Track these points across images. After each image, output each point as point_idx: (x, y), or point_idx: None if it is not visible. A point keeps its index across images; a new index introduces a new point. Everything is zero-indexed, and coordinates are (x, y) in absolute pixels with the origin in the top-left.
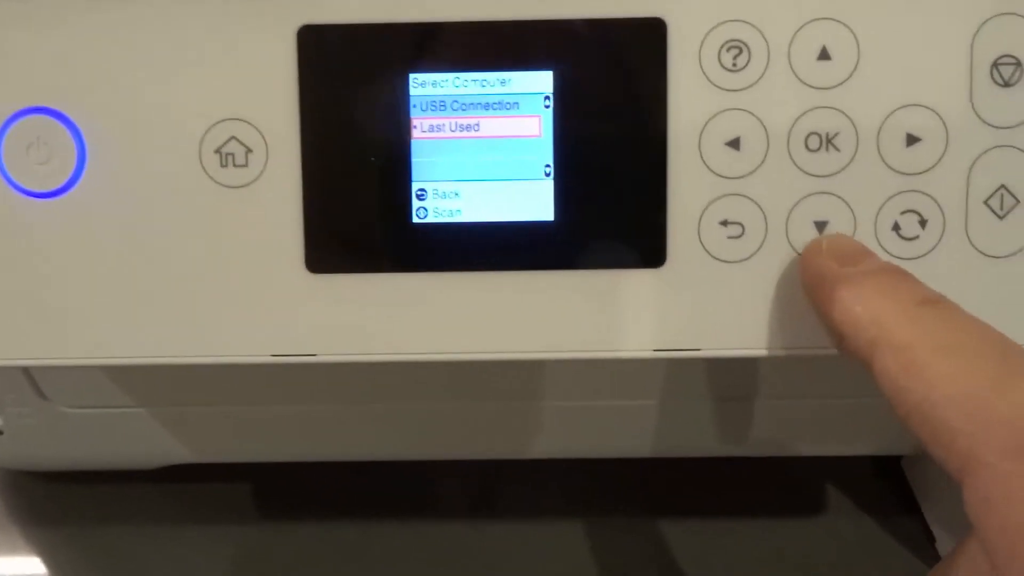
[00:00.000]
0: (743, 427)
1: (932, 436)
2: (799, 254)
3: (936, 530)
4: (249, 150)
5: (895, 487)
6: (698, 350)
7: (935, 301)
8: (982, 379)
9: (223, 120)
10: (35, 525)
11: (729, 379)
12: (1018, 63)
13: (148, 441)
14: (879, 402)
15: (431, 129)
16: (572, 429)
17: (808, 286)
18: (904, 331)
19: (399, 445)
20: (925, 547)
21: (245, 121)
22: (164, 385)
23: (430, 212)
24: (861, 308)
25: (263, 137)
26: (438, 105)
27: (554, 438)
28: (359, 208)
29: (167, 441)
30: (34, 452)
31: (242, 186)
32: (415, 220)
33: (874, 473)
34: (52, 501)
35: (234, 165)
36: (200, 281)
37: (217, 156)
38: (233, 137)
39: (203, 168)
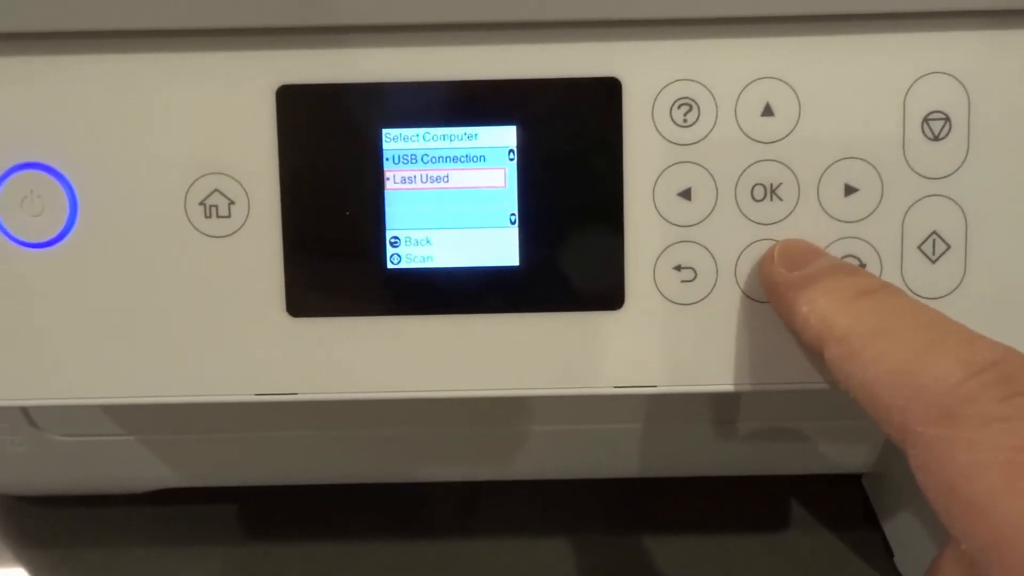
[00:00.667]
0: (708, 448)
1: (874, 413)
2: (748, 296)
3: (895, 545)
4: (232, 202)
5: (856, 504)
6: (655, 387)
7: (872, 291)
8: (907, 355)
9: (207, 174)
10: (27, 548)
11: (694, 403)
12: (947, 119)
13: (136, 466)
14: (839, 424)
15: (403, 181)
16: (545, 451)
17: (766, 294)
18: (842, 323)
19: (380, 468)
20: (885, 561)
21: (228, 175)
22: (152, 414)
23: (403, 258)
24: (808, 309)
25: (245, 190)
26: (410, 158)
27: (531, 460)
28: (336, 255)
29: (155, 466)
30: (26, 478)
31: (225, 236)
32: (389, 266)
33: (835, 490)
34: (43, 524)
35: (217, 216)
36: (186, 325)
37: (201, 208)
38: (216, 190)
39: (188, 219)
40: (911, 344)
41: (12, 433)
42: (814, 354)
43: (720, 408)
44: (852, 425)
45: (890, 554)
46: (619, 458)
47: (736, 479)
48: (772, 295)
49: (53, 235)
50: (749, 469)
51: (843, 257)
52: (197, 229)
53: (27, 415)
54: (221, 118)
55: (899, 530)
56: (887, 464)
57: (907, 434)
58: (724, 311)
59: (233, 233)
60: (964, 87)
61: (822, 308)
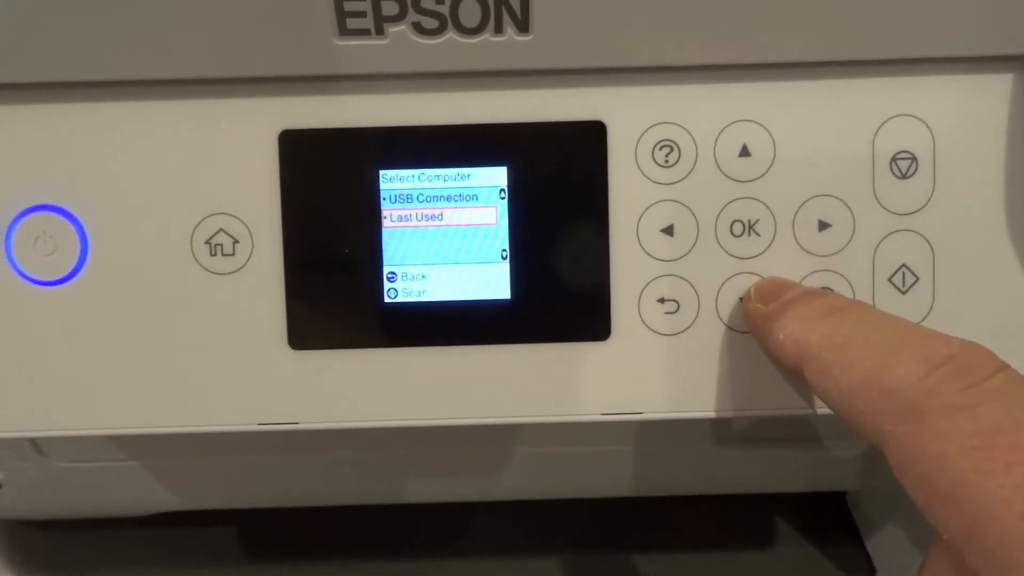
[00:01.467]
0: (695, 467)
1: (851, 421)
2: (729, 327)
3: (877, 561)
4: (236, 240)
5: (840, 521)
6: (640, 413)
7: (840, 308)
8: (873, 361)
9: (212, 214)
10: (32, 572)
11: (680, 425)
12: (914, 158)
13: (139, 490)
14: (823, 443)
15: (400, 219)
16: (534, 471)
17: (749, 330)
18: (815, 340)
19: (377, 489)
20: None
21: (232, 215)
22: (154, 439)
23: (400, 293)
24: (784, 334)
25: (248, 229)
26: (406, 198)
27: (521, 480)
28: (336, 290)
29: (157, 490)
30: (32, 503)
31: (230, 273)
32: (386, 300)
33: (820, 508)
34: (49, 548)
35: (222, 254)
36: (192, 358)
37: (207, 246)
38: (221, 229)
39: (194, 257)
40: (876, 350)
41: (18, 460)
42: (796, 377)
43: (706, 429)
44: (836, 444)
45: (873, 570)
46: (607, 478)
47: (722, 497)
48: (753, 330)
49: (64, 273)
50: (734, 488)
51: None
52: (203, 266)
53: (33, 442)
54: (226, 161)
55: (882, 547)
56: (871, 482)
57: (881, 436)
58: (706, 341)
59: (237, 270)
60: (929, 128)
61: (796, 331)
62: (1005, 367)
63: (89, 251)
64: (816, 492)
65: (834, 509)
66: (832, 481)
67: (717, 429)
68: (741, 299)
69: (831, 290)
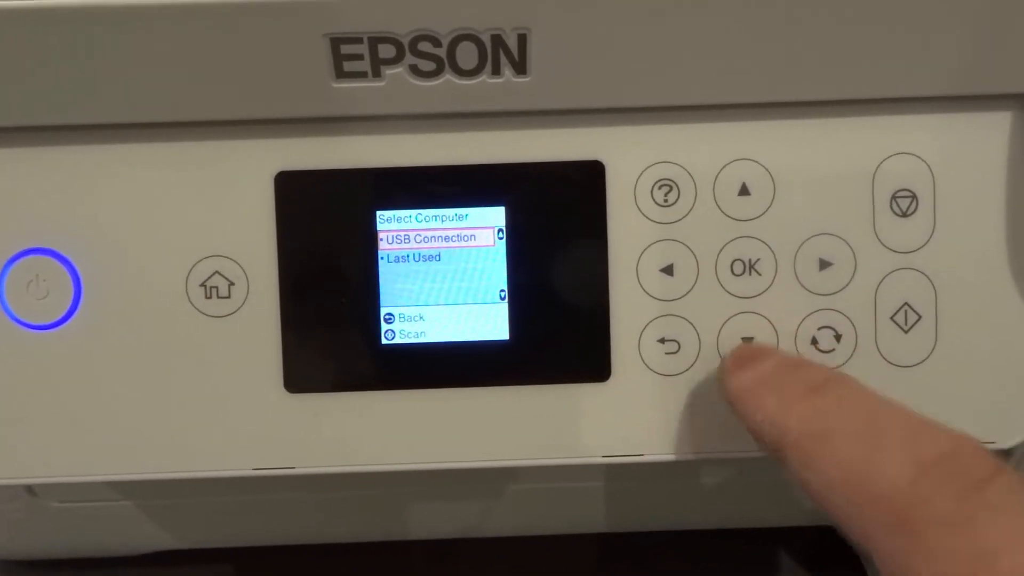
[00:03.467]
0: (698, 501)
1: (836, 520)
2: None
3: None
4: (231, 283)
5: (843, 555)
6: (642, 455)
7: (819, 386)
8: (856, 456)
9: (208, 256)
10: None
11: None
12: (914, 196)
13: (132, 530)
14: None
15: (397, 260)
16: (530, 507)
17: (728, 402)
18: (793, 428)
19: (373, 527)
20: None
21: (228, 257)
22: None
23: (397, 334)
24: (761, 416)
25: (244, 271)
26: (403, 238)
27: (516, 516)
28: (332, 332)
29: (150, 529)
30: (24, 543)
31: (225, 316)
32: (384, 342)
33: (825, 541)
34: None
35: (218, 297)
36: (187, 402)
37: (202, 289)
38: (217, 272)
39: (189, 300)
40: (860, 442)
41: (9, 500)
42: (777, 461)
43: (709, 461)
44: None
45: None
46: (607, 514)
47: (726, 532)
48: (731, 405)
49: (57, 317)
50: (739, 522)
51: (820, 329)
52: (198, 309)
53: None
54: (222, 203)
55: None
56: None
57: (867, 542)
58: (708, 381)
59: (233, 313)
60: (928, 166)
61: (773, 413)
62: (1001, 469)
63: (83, 295)
64: (820, 525)
65: (838, 542)
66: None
67: (719, 460)
68: (722, 361)
69: (835, 335)
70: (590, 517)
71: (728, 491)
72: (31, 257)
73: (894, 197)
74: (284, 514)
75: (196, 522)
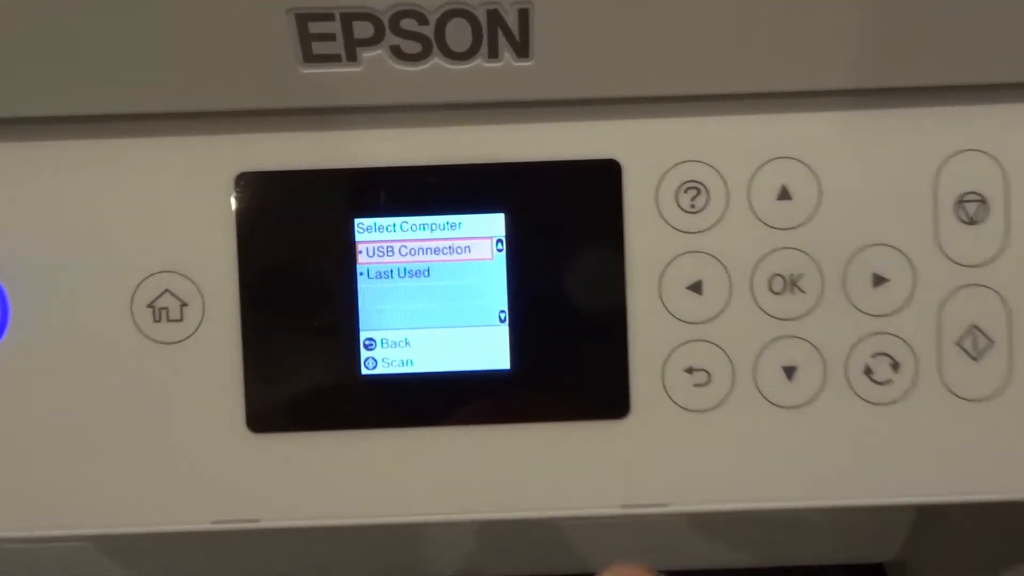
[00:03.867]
0: (729, 538)
1: None
2: (769, 401)
3: None
4: (184, 304)
5: None
6: (667, 505)
7: None
8: None
9: (156, 272)
10: None
11: None
12: (983, 200)
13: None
14: (861, 512)
15: (378, 276)
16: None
17: None
18: None
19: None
20: None
21: (179, 273)
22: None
23: (379, 363)
24: None
25: (199, 290)
26: (385, 251)
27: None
28: (303, 361)
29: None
30: None
31: (177, 342)
32: (364, 371)
33: None
34: None
35: (168, 320)
36: (134, 444)
37: (150, 311)
38: (167, 290)
39: (135, 323)
40: None
41: None
42: None
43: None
44: (873, 513)
45: None
46: (637, 552)
47: (755, 570)
48: None
49: None
50: (771, 560)
51: (874, 356)
52: (145, 335)
53: None
54: (171, 210)
55: None
56: (910, 552)
57: None
58: (742, 418)
59: (186, 339)
60: (1000, 165)
61: None
62: None
63: (8, 318)
64: (853, 564)
65: None
66: (870, 552)
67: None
68: None
69: (892, 363)
70: (626, 555)
71: (762, 528)
72: None
73: (960, 201)
74: (266, 548)
75: (162, 556)
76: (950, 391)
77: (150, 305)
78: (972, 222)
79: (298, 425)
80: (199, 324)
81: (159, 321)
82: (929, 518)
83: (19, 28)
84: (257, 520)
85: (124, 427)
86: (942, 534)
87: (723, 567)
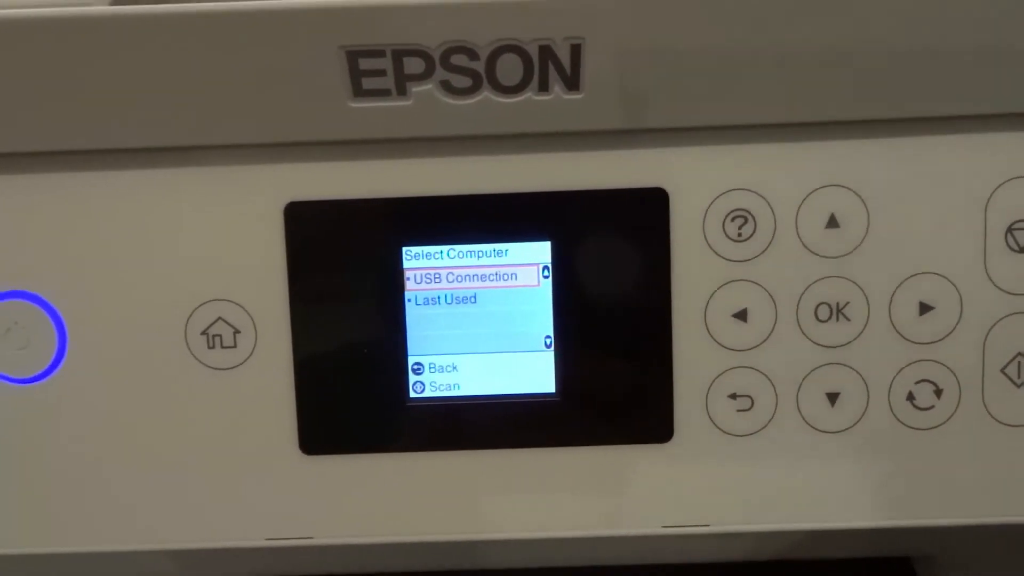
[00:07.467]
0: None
1: None
2: (812, 427)
3: None
4: (237, 331)
5: None
6: (707, 526)
7: None
8: None
9: (209, 300)
10: None
11: None
12: None
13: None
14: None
15: (426, 302)
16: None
17: None
18: None
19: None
20: None
21: (232, 301)
22: None
23: (427, 387)
24: None
25: (251, 317)
26: (433, 277)
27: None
28: (353, 386)
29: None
30: None
31: (231, 368)
32: (412, 395)
33: (886, 573)
34: None
35: (222, 346)
36: (190, 465)
37: (204, 338)
38: (220, 318)
39: (189, 350)
40: None
41: None
42: None
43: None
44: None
45: None
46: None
47: (785, 563)
48: None
49: (40, 370)
50: (798, 553)
51: (917, 383)
52: (199, 361)
53: None
54: (224, 239)
55: None
56: (938, 546)
57: None
58: (785, 443)
59: (239, 364)
60: None
61: None
62: None
63: (68, 344)
64: (881, 557)
65: (900, 574)
66: (897, 545)
67: None
68: None
69: (935, 389)
70: (650, 549)
71: None
72: (9, 302)
73: (1010, 230)
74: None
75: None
76: (992, 417)
77: (204, 332)
78: (1022, 250)
79: (349, 447)
80: (252, 351)
81: (213, 348)
82: None
83: (90, 68)
84: (310, 538)
85: (181, 450)
86: (972, 529)
87: (748, 559)
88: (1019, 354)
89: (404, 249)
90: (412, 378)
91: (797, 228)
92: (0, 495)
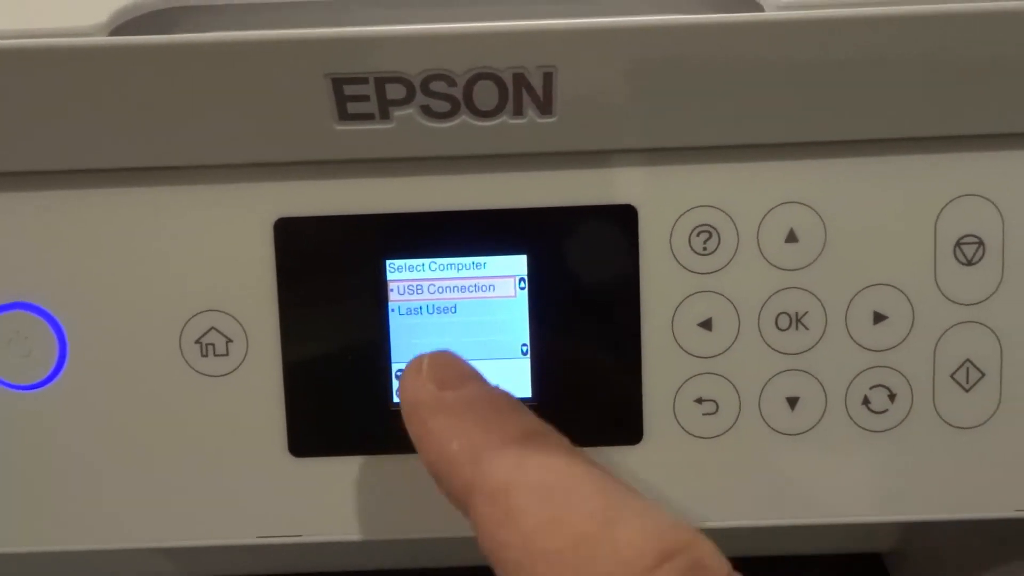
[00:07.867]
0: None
1: None
2: (773, 429)
3: None
4: (229, 340)
5: None
6: None
7: (539, 434)
8: (588, 526)
9: (203, 311)
10: None
11: None
12: (980, 242)
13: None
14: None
15: (409, 312)
16: None
17: (404, 412)
18: (501, 470)
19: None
20: None
21: (224, 312)
22: None
23: None
24: (457, 444)
25: (242, 327)
26: (415, 289)
27: None
28: (340, 391)
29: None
30: None
31: (223, 375)
32: (396, 400)
33: (856, 569)
34: None
35: (214, 355)
36: (184, 468)
37: (197, 346)
38: (213, 327)
39: (184, 358)
40: (591, 513)
41: None
42: (457, 506)
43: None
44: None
45: None
46: None
47: (755, 559)
48: (413, 417)
49: (41, 377)
50: (769, 549)
51: (872, 388)
52: (193, 368)
53: None
54: (217, 253)
55: None
56: (909, 542)
57: None
58: (748, 444)
59: (231, 372)
60: (998, 209)
61: (477, 445)
62: (734, 572)
63: (68, 353)
64: (851, 553)
65: (870, 571)
66: (868, 542)
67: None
68: (404, 371)
69: (889, 395)
70: None
71: None
72: (11, 312)
73: (959, 244)
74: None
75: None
76: (942, 419)
77: (197, 341)
78: (969, 263)
79: (336, 450)
80: (243, 358)
81: (206, 356)
82: None
83: (89, 94)
84: (299, 536)
85: (175, 452)
86: (941, 524)
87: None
88: (967, 360)
89: (388, 262)
90: (395, 384)
91: (759, 242)
92: (3, 494)
